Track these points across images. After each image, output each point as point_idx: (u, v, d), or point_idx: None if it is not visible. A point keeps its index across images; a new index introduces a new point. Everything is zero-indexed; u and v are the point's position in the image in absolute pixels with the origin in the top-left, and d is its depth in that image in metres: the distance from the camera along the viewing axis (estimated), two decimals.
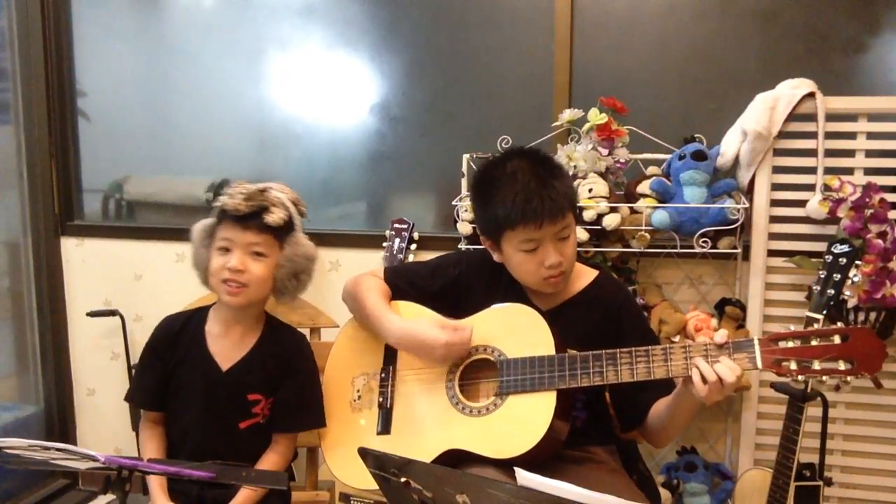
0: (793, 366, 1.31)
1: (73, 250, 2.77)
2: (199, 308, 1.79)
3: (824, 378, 1.32)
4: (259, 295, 1.68)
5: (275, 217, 1.63)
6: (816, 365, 1.30)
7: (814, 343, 1.31)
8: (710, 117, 2.29)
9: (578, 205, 2.07)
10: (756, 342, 1.34)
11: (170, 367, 1.72)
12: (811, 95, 2.07)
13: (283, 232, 1.67)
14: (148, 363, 1.75)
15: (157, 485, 1.63)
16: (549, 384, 1.44)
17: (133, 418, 2.47)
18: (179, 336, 1.73)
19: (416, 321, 1.58)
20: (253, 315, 1.74)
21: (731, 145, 2.11)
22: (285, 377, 1.72)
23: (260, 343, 1.73)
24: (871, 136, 2.08)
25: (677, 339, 2.10)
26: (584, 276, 1.64)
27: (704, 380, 1.33)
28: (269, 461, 1.72)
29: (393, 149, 2.57)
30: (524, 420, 1.44)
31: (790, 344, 1.32)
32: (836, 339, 1.30)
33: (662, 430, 1.56)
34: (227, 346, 1.72)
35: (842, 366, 1.29)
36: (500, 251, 1.55)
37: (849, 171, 2.08)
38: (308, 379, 1.75)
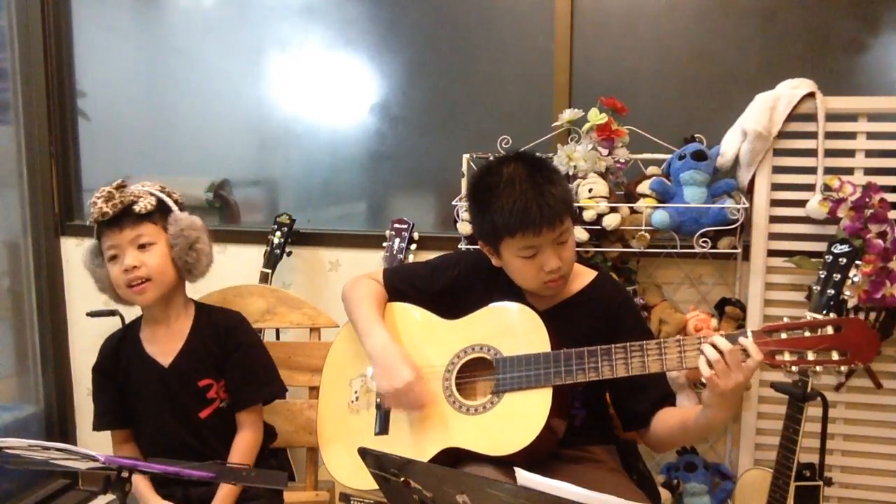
0: (787, 357, 1.31)
1: (73, 250, 2.76)
2: (132, 321, 1.81)
3: (818, 368, 1.32)
4: (166, 283, 1.68)
5: (143, 204, 1.64)
6: (810, 355, 1.30)
7: (807, 334, 1.31)
8: (710, 117, 2.29)
9: (578, 205, 2.07)
10: (749, 333, 1.34)
11: (119, 383, 1.74)
12: (811, 95, 2.07)
13: (159, 216, 1.67)
14: (100, 386, 1.76)
15: (145, 487, 1.64)
16: (544, 381, 1.44)
17: None
18: (119, 351, 1.76)
19: (396, 348, 1.57)
20: (178, 307, 1.74)
21: (731, 145, 2.11)
22: (228, 354, 1.73)
23: (194, 330, 1.74)
24: (871, 136, 2.08)
25: None
26: (583, 276, 1.63)
27: (709, 366, 1.31)
28: (243, 441, 1.73)
29: (393, 149, 2.57)
30: (521, 417, 1.44)
31: (784, 335, 1.32)
32: (830, 330, 1.30)
33: (672, 443, 1.57)
34: (162, 342, 1.73)
35: (835, 356, 1.29)
36: (499, 256, 1.55)
37: (849, 171, 2.08)
38: (252, 350, 1.76)
